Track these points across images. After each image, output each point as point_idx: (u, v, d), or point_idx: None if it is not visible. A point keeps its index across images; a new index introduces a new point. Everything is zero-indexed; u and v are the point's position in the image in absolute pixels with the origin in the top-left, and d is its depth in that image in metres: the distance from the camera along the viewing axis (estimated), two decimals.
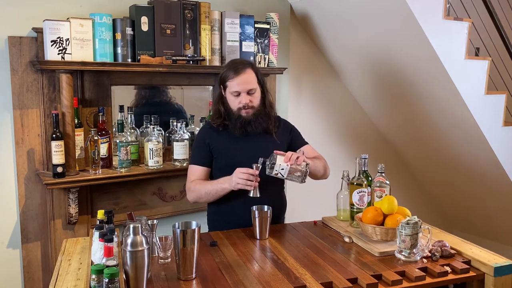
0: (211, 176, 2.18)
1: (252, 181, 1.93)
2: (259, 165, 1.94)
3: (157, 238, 1.70)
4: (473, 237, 3.71)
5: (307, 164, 1.95)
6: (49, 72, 2.36)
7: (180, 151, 2.58)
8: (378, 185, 2.01)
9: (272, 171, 1.93)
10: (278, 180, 2.16)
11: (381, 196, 1.98)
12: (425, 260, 1.70)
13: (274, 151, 1.96)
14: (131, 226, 1.42)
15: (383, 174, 2.03)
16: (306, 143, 2.29)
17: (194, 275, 1.56)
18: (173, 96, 2.86)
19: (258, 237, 1.94)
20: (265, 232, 1.94)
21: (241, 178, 1.94)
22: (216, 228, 2.12)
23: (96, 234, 1.56)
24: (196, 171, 2.15)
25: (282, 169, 1.92)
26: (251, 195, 1.95)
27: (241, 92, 2.07)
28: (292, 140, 2.25)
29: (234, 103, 2.10)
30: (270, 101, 2.20)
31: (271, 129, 2.17)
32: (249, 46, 2.81)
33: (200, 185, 2.10)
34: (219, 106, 2.15)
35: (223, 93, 2.15)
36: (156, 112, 2.65)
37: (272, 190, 2.14)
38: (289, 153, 1.94)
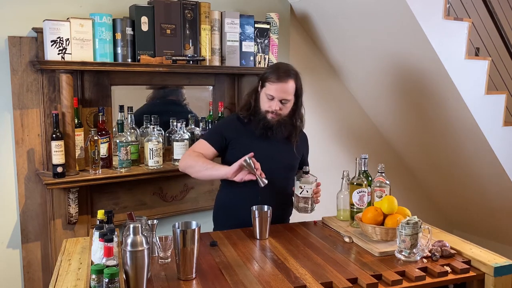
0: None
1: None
2: (248, 161, 1.94)
3: (157, 238, 1.70)
4: (473, 237, 3.72)
5: (315, 206, 2.10)
6: (49, 72, 2.36)
7: (180, 151, 2.58)
8: (378, 185, 2.01)
9: (300, 184, 2.04)
10: (287, 182, 2.18)
11: (381, 196, 1.98)
12: (425, 260, 1.70)
13: (314, 177, 2.09)
14: (131, 226, 1.42)
15: (383, 174, 2.03)
16: (308, 165, 2.33)
17: (194, 275, 1.56)
18: (185, 97, 2.89)
19: (258, 237, 1.94)
20: (265, 232, 1.94)
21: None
22: (222, 223, 2.15)
23: (96, 234, 1.56)
24: (204, 146, 2.14)
25: (307, 191, 2.04)
26: (261, 185, 1.96)
27: (275, 98, 2.08)
28: (303, 157, 2.29)
29: (265, 104, 2.12)
30: (302, 115, 2.21)
31: (293, 140, 2.18)
32: (249, 46, 2.81)
33: (201, 158, 2.08)
34: (250, 99, 2.18)
35: (259, 89, 2.16)
36: (163, 112, 2.68)
37: (281, 191, 2.16)
38: (320, 189, 2.11)
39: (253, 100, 2.17)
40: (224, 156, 2.19)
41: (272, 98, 2.09)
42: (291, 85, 2.10)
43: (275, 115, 2.10)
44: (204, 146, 2.15)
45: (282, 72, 2.10)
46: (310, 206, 2.05)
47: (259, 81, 2.17)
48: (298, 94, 2.15)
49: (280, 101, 2.09)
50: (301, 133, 2.28)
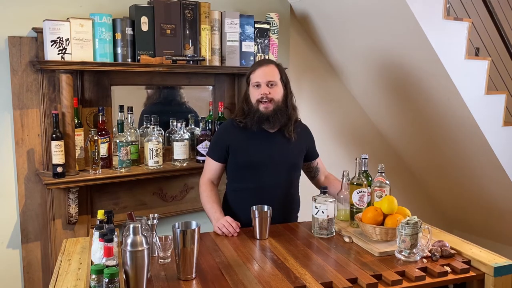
0: (227, 172, 2.24)
1: (230, 231, 1.99)
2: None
3: (157, 238, 1.70)
4: (473, 237, 3.72)
5: None
6: (49, 72, 2.36)
7: (180, 151, 2.58)
8: (378, 185, 2.01)
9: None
10: (291, 181, 2.21)
11: (381, 196, 1.98)
12: (425, 260, 1.70)
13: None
14: (131, 226, 1.42)
15: (383, 174, 2.03)
16: (318, 155, 2.36)
17: (194, 275, 1.56)
18: (185, 97, 2.89)
19: (258, 237, 1.94)
20: (265, 232, 1.94)
21: (223, 225, 2.00)
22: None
23: (96, 234, 1.56)
24: (211, 166, 2.22)
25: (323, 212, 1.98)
26: None
27: (261, 83, 2.10)
28: (308, 149, 2.28)
29: (254, 94, 2.14)
30: (293, 104, 2.22)
31: (290, 132, 2.17)
32: (249, 46, 2.81)
33: (206, 198, 2.17)
34: (243, 105, 2.20)
35: (248, 89, 2.19)
36: (163, 112, 2.69)
37: (285, 191, 2.17)
38: None
39: (246, 104, 2.18)
40: (226, 163, 2.21)
41: (259, 85, 2.11)
42: (273, 68, 2.15)
43: (267, 102, 2.10)
44: (211, 165, 2.22)
45: (262, 61, 2.24)
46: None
47: (247, 83, 2.20)
48: (283, 80, 2.17)
49: (267, 84, 2.10)
50: (300, 125, 2.28)
